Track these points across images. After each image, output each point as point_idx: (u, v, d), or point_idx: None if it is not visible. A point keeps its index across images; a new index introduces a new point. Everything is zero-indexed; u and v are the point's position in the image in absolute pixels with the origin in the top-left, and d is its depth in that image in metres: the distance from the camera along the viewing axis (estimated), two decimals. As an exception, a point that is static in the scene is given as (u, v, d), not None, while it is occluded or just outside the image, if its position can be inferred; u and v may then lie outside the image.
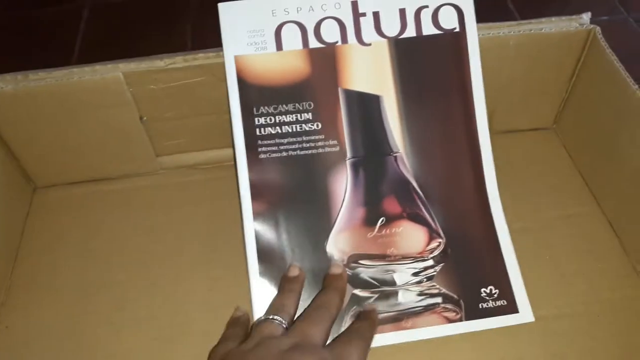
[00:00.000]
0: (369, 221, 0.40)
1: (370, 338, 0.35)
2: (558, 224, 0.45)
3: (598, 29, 0.43)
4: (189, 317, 0.40)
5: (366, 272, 0.39)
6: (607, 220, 0.45)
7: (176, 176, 0.49)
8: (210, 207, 0.46)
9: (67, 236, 0.45)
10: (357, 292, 0.39)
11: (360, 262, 0.39)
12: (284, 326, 0.34)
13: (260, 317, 0.35)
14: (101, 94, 0.41)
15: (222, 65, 0.41)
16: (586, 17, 0.43)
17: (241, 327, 0.36)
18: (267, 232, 0.39)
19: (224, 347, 0.33)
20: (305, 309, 0.36)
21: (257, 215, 0.39)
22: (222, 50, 0.41)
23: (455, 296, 0.39)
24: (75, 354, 0.39)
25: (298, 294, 0.37)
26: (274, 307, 0.35)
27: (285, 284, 0.38)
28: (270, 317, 0.34)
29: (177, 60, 0.41)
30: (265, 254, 0.39)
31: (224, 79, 0.41)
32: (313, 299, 0.36)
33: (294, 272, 0.38)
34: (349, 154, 0.41)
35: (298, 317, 0.35)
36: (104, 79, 0.40)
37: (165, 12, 0.73)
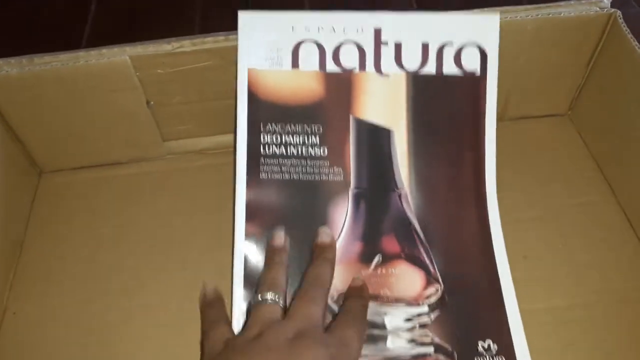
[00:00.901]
0: (365, 257, 0.38)
1: (365, 317, 0.35)
2: (572, 212, 0.44)
3: (619, 13, 0.41)
4: (198, 302, 0.39)
5: None
6: (621, 209, 0.44)
7: (183, 161, 0.48)
8: (218, 192, 0.45)
9: (73, 221, 0.45)
10: None
11: None
12: (280, 305, 0.34)
13: (256, 298, 0.34)
14: (108, 78, 0.41)
15: (231, 50, 0.40)
16: (607, 0, 0.42)
17: (219, 308, 0.35)
18: (257, 257, 0.38)
19: (220, 333, 0.33)
20: (300, 285, 0.35)
21: (249, 236, 0.38)
22: (230, 34, 0.40)
23: (449, 348, 0.36)
24: (84, 339, 0.39)
25: (286, 264, 0.36)
26: (266, 284, 0.35)
27: (272, 255, 0.37)
28: (265, 297, 0.34)
29: (185, 44, 0.40)
30: (252, 279, 0.37)
31: (233, 63, 0.41)
32: (305, 273, 0.36)
33: (279, 241, 0.37)
34: (352, 185, 0.40)
35: (295, 295, 0.34)
36: (110, 62, 0.39)
37: (172, 2, 0.72)
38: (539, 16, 0.41)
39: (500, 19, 0.41)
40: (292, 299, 0.34)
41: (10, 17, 0.73)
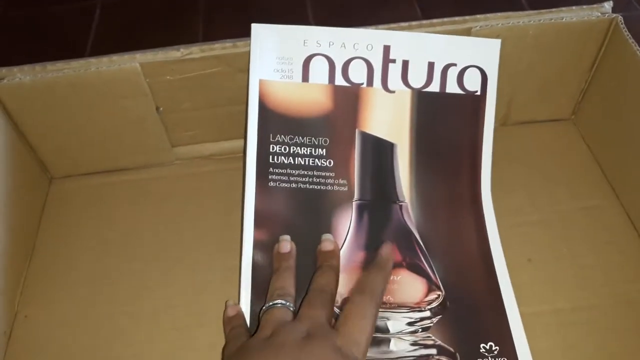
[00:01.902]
0: (368, 265, 0.39)
1: (382, 295, 0.35)
2: (576, 216, 0.44)
3: (620, 18, 0.42)
4: (206, 306, 0.40)
5: None
6: (625, 212, 0.44)
7: (191, 167, 0.49)
8: (226, 197, 0.46)
9: (83, 226, 0.45)
10: None
11: None
12: (291, 309, 0.34)
13: (267, 304, 0.35)
14: (118, 85, 0.41)
15: (239, 56, 0.41)
16: (608, 6, 0.42)
17: (241, 326, 0.36)
18: (265, 262, 0.38)
19: (236, 343, 0.34)
20: (307, 293, 0.35)
21: (257, 243, 0.39)
22: (238, 40, 0.41)
23: (452, 349, 0.37)
24: (93, 342, 0.39)
25: (293, 270, 0.37)
26: (275, 292, 0.35)
27: (280, 262, 0.37)
28: (275, 302, 0.34)
29: (194, 51, 0.41)
30: (260, 285, 0.37)
31: (240, 70, 0.41)
32: (311, 282, 0.36)
33: (285, 247, 0.38)
34: (356, 196, 0.41)
35: (301, 302, 0.35)
36: (121, 69, 0.40)
37: (175, 8, 0.73)
38: (541, 21, 0.42)
39: (503, 24, 0.42)
40: (300, 306, 0.35)
41: (17, 23, 0.74)
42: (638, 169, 0.43)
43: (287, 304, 0.34)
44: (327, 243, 0.39)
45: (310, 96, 0.40)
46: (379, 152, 0.41)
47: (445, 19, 0.42)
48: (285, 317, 0.33)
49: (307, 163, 0.41)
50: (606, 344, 0.38)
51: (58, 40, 0.70)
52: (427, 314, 0.38)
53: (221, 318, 0.37)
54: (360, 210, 0.41)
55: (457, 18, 0.42)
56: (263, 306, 0.35)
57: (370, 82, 0.41)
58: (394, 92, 0.41)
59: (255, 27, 0.40)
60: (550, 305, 0.39)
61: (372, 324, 0.34)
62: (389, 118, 0.41)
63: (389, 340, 0.37)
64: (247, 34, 0.40)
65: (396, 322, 0.38)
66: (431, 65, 0.41)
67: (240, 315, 0.37)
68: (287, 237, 0.39)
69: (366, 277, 0.36)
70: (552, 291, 0.40)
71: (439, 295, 0.39)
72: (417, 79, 0.41)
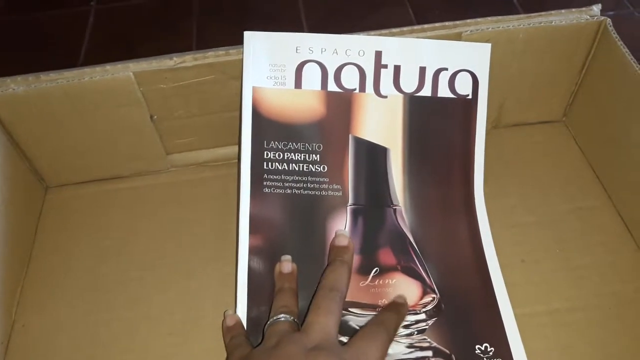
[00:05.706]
0: (363, 270, 0.39)
1: (394, 332, 0.34)
2: (569, 217, 0.44)
3: (609, 20, 0.42)
4: (202, 312, 0.40)
5: (355, 320, 0.38)
6: (617, 212, 0.45)
7: (186, 174, 0.49)
8: (221, 203, 0.46)
9: (79, 235, 0.46)
10: (344, 339, 0.36)
11: (350, 309, 0.38)
12: (295, 323, 0.34)
13: (272, 319, 0.35)
14: (112, 94, 0.42)
15: (232, 64, 0.41)
16: (596, 8, 0.43)
17: (241, 335, 0.36)
18: (261, 269, 0.39)
19: (240, 352, 0.33)
20: (317, 290, 0.35)
21: (252, 249, 0.39)
22: (231, 48, 0.41)
23: (447, 351, 0.37)
24: (91, 350, 0.39)
25: (295, 290, 0.37)
26: (279, 310, 0.35)
27: (282, 282, 0.37)
28: (279, 317, 0.34)
29: (187, 59, 0.41)
30: (256, 291, 0.38)
31: (233, 77, 0.42)
32: (322, 277, 0.36)
33: (287, 267, 0.38)
34: (350, 201, 0.41)
35: (310, 304, 0.35)
36: (114, 78, 0.40)
37: (169, 13, 0.73)
38: (531, 25, 0.42)
39: (493, 28, 0.42)
40: (308, 309, 0.34)
41: (11, 29, 0.74)
42: (630, 169, 0.43)
43: (291, 318, 0.34)
44: (341, 238, 0.38)
45: (303, 102, 0.41)
46: (373, 156, 0.42)
47: (436, 24, 0.42)
48: (289, 328, 0.33)
49: (301, 169, 0.41)
50: (601, 344, 0.38)
51: (52, 46, 0.70)
52: (423, 316, 0.38)
53: (218, 324, 0.38)
54: (355, 214, 0.41)
55: (447, 23, 0.42)
56: (267, 321, 0.35)
57: (362, 87, 0.41)
58: (386, 97, 0.41)
59: (248, 35, 0.40)
60: (545, 306, 0.40)
61: (390, 343, 0.33)
62: (381, 123, 0.41)
63: None
64: (240, 40, 0.40)
65: None
66: (422, 70, 0.41)
67: (239, 324, 0.37)
68: (289, 257, 0.39)
69: (382, 313, 0.36)
70: (546, 292, 0.40)
71: (433, 298, 0.39)
72: (409, 84, 0.41)
